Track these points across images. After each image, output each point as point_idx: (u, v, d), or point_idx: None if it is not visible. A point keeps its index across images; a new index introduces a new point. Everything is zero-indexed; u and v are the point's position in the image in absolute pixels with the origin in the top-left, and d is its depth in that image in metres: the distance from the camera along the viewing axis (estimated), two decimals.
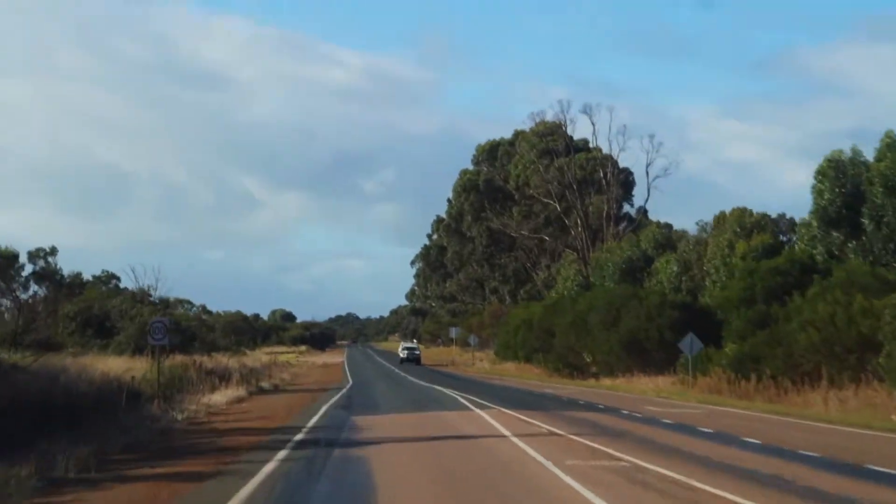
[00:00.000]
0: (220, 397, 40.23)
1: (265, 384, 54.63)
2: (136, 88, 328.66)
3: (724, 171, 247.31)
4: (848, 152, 54.07)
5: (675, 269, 73.60)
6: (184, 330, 61.53)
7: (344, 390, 50.37)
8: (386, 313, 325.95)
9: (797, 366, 39.99)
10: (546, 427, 26.86)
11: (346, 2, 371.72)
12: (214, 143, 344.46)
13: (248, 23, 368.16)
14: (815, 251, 51.92)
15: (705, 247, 72.32)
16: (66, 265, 56.04)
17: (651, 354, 61.06)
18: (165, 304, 68.79)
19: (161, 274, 68.79)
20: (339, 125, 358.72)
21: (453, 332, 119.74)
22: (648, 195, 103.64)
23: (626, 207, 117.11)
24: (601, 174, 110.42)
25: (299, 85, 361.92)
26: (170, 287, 73.24)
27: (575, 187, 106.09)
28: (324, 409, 35.18)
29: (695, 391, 45.18)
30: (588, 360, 67.03)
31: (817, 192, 53.01)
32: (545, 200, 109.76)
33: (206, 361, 52.62)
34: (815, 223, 53.48)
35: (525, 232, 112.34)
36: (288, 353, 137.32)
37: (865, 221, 50.00)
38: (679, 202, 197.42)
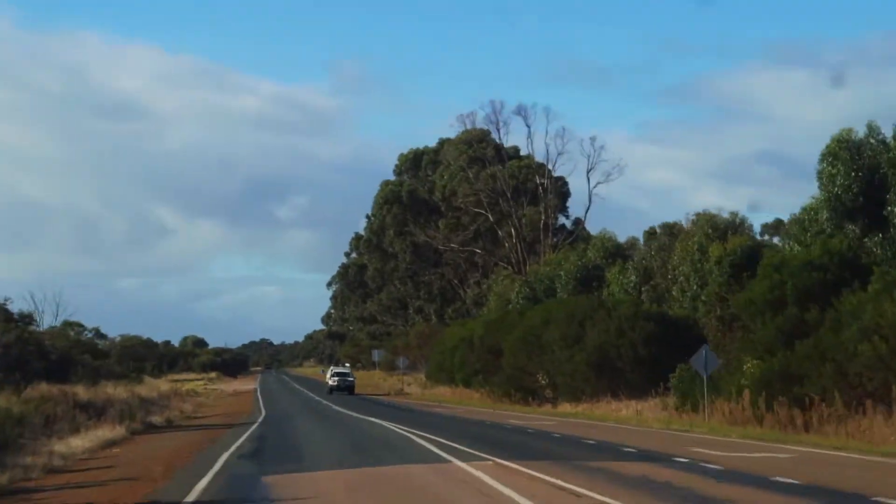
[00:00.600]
0: (82, 441, 28.77)
1: (157, 419, 43.05)
2: (49, 119, 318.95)
3: (642, 194, 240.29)
4: (859, 130, 44.61)
5: (633, 278, 64.07)
6: (48, 354, 49.52)
7: (254, 426, 38.97)
8: (301, 339, 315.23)
9: (854, 386, 29.87)
10: (604, 498, 15.79)
11: (259, 32, 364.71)
12: (128, 173, 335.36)
13: (161, 52, 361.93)
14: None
15: (668, 253, 62.88)
16: None
17: (623, 375, 50.86)
18: (27, 323, 56.56)
19: (62, 299, 59.46)
20: (253, 153, 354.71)
21: (376, 356, 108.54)
22: (590, 203, 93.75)
23: (562, 219, 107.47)
24: (536, 182, 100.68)
25: (213, 114, 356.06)
26: (71, 313, 64.59)
27: (509, 195, 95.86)
28: (223, 458, 23.91)
29: (714, 420, 34.76)
30: (543, 382, 56.50)
31: (827, 178, 43.19)
32: (476, 210, 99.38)
33: (82, 393, 40.92)
34: (824, 214, 43.63)
35: (454, 245, 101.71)
36: (196, 380, 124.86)
37: (892, 210, 40.51)
38: (604, 223, 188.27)
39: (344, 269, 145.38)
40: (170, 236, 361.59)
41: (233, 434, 34.23)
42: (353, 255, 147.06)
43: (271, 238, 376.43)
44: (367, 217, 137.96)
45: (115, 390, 48.89)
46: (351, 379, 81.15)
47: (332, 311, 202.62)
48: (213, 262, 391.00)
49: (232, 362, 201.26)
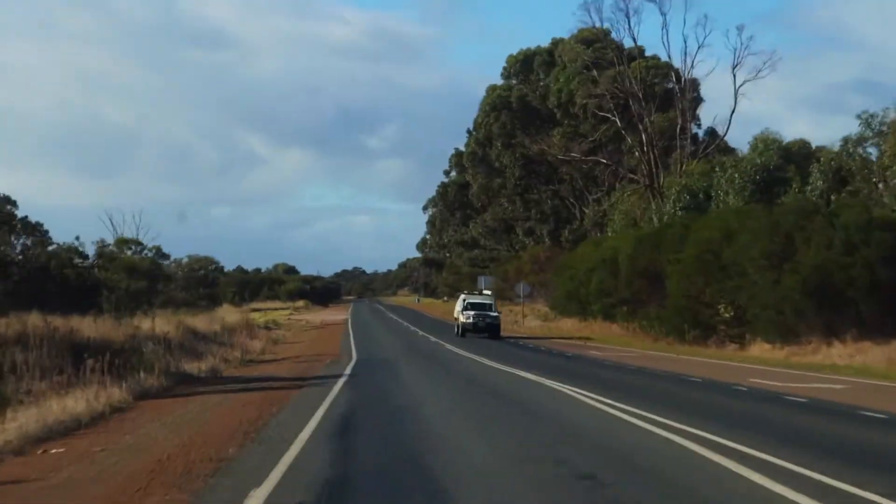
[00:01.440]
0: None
1: (197, 367, 28.90)
2: (138, 48, 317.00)
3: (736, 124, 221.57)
4: None
5: (819, 184, 48.86)
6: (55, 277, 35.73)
7: (340, 384, 24.32)
8: (394, 267, 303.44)
9: None
10: None
11: None
12: (217, 101, 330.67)
13: None
14: None
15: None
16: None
17: (854, 307, 35.57)
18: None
19: (142, 222, 47.83)
20: (342, 82, 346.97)
21: (483, 283, 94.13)
22: (735, 105, 76.82)
23: (693, 128, 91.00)
24: (668, 83, 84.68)
25: (301, 43, 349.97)
26: (153, 238, 54.48)
27: (641, 95, 79.72)
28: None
29: None
30: (726, 315, 41.35)
31: None
32: (602, 114, 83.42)
33: (83, 327, 26.89)
34: None
35: (575, 155, 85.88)
36: (280, 309, 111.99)
37: None
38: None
39: (443, 188, 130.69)
40: (259, 165, 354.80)
41: (308, 397, 20.05)
42: (454, 173, 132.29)
43: (361, 167, 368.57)
44: (469, 132, 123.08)
45: (153, 324, 34.93)
46: (495, 314, 53.48)
47: (428, 236, 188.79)
48: (301, 191, 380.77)
49: (323, 290, 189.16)
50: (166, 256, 70.50)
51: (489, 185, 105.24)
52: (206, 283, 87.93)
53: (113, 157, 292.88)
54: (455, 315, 53.76)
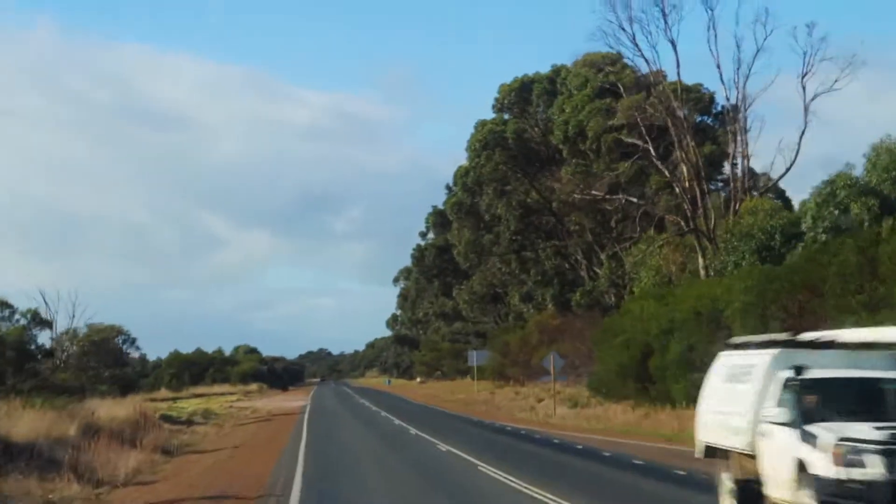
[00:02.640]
0: None
1: None
2: (97, 131, 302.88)
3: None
4: None
5: None
6: None
7: None
8: (361, 347, 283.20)
9: None
10: None
11: (307, 41, 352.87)
12: (176, 183, 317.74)
13: (210, 62, 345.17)
14: None
15: None
16: None
17: None
18: None
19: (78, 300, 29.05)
20: (304, 164, 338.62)
21: (476, 359, 74.62)
22: (805, 124, 57.58)
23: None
24: (715, 105, 66.66)
25: (263, 125, 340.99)
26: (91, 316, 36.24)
27: (683, 115, 60.89)
28: None
29: None
30: None
31: None
32: (626, 147, 64.54)
33: None
34: None
35: (597, 193, 66.40)
36: (229, 394, 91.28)
37: None
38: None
39: (419, 252, 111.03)
40: (221, 247, 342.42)
41: None
42: (431, 235, 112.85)
43: (326, 249, 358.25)
44: (448, 187, 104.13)
45: None
46: None
47: (400, 312, 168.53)
48: (267, 273, 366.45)
49: (284, 373, 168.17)
50: (47, 324, 49.62)
51: (478, 242, 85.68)
52: (115, 361, 67.37)
53: (70, 240, 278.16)
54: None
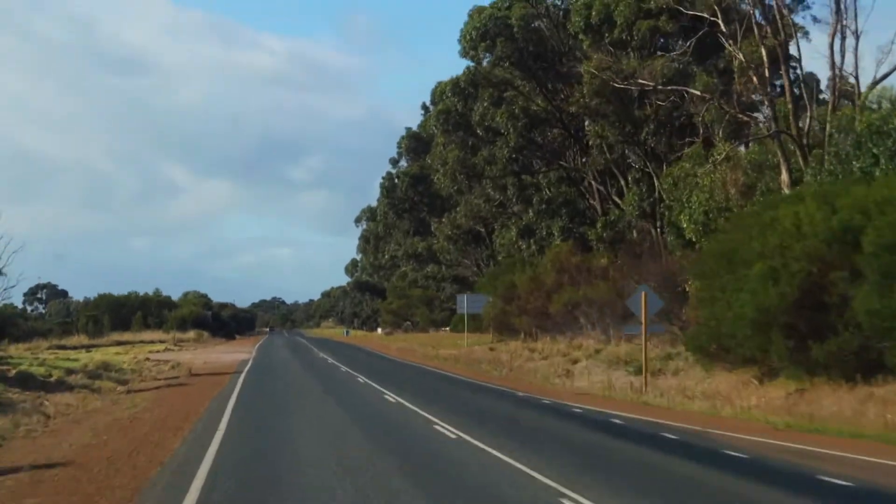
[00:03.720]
0: None
1: None
2: (56, 72, 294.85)
3: None
4: None
5: None
6: None
7: None
8: (317, 297, 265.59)
9: None
10: None
11: None
12: (137, 129, 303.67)
13: (171, 5, 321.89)
14: None
15: None
16: None
17: None
18: None
19: None
20: (265, 111, 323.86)
21: (467, 305, 57.62)
22: None
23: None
24: None
25: (223, 70, 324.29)
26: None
27: None
28: None
29: None
30: None
31: None
32: (694, 13, 47.15)
33: None
34: None
35: (646, 83, 48.71)
36: (158, 342, 73.75)
37: None
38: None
39: (389, 181, 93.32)
40: (180, 194, 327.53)
41: None
42: (403, 162, 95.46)
43: (284, 198, 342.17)
44: (425, 107, 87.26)
45: None
46: None
47: (360, 257, 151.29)
48: (225, 221, 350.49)
49: (232, 320, 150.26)
50: None
51: (468, 161, 68.01)
52: None
53: (29, 184, 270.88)
54: None
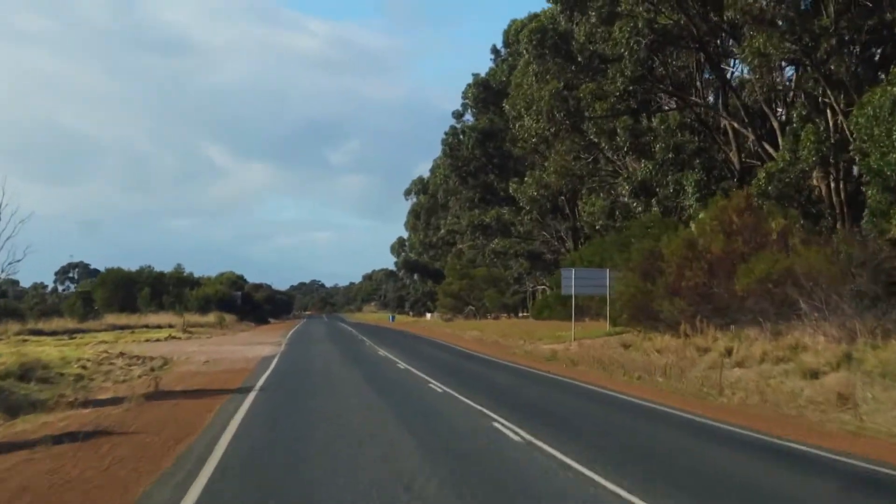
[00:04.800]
0: None
1: None
2: (96, 53, 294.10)
3: None
4: None
5: None
6: None
7: None
8: (357, 280, 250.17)
9: None
10: None
11: None
12: (181, 111, 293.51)
13: None
14: None
15: None
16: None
17: None
18: None
19: None
20: (307, 95, 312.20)
21: (574, 283, 40.88)
22: None
23: None
24: None
25: (264, 52, 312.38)
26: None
27: None
28: None
29: None
30: None
31: None
32: None
33: None
34: None
35: None
36: (161, 327, 57.86)
37: None
38: None
39: (453, 138, 76.35)
40: (220, 177, 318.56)
41: None
42: (468, 116, 78.92)
43: (324, 181, 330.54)
44: (494, 51, 71.56)
45: None
46: None
47: (409, 234, 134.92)
48: (264, 204, 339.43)
49: (267, 303, 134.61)
50: None
51: (567, 97, 50.95)
52: None
53: (70, 165, 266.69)
54: None
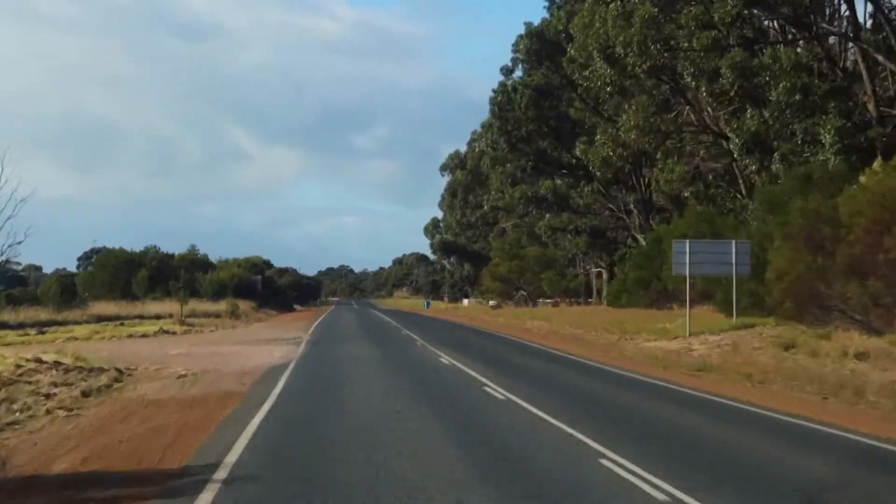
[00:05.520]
0: None
1: None
2: (121, 37, 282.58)
3: None
4: None
5: None
6: None
7: None
8: (387, 264, 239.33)
9: None
10: None
11: None
12: (206, 94, 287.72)
13: None
14: None
15: None
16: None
17: None
18: None
19: None
20: (332, 79, 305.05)
21: (694, 257, 30.25)
22: None
23: None
24: None
25: (291, 35, 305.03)
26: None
27: None
28: None
29: None
30: None
31: None
32: None
33: None
34: None
35: None
36: (159, 318, 47.36)
37: None
38: None
39: (503, 95, 65.03)
40: (246, 161, 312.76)
41: None
42: (518, 72, 67.99)
43: (350, 166, 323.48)
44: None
45: None
46: None
47: (445, 213, 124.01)
48: (291, 189, 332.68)
49: (293, 289, 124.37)
50: None
51: (661, 25, 39.78)
52: None
53: (95, 151, 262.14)
54: None
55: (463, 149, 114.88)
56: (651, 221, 58.04)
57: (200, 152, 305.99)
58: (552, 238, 74.93)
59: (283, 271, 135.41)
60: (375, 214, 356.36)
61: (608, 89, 46.45)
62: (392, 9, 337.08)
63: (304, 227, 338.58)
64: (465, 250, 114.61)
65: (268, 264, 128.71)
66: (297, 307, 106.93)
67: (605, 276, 63.34)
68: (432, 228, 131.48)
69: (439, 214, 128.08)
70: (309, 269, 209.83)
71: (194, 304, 56.42)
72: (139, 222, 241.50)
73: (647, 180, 60.56)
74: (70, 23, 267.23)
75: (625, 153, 48.05)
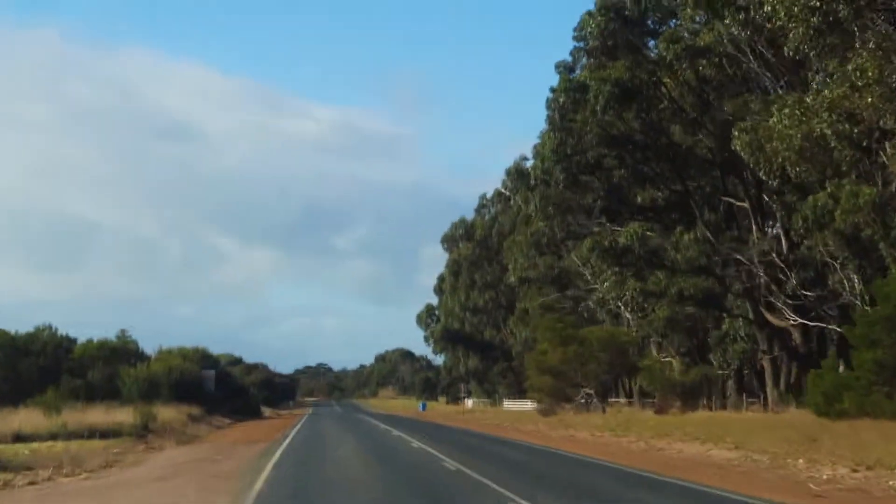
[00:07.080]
0: None
1: None
2: (102, 139, 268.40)
3: None
4: None
5: None
6: None
7: None
8: (368, 361, 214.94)
9: None
10: None
11: (314, 54, 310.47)
12: (184, 196, 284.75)
13: (215, 73, 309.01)
14: None
15: None
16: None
17: None
18: None
19: None
20: (311, 180, 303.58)
21: None
22: None
23: None
24: None
25: (269, 138, 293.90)
26: None
27: None
28: None
29: None
30: None
31: None
32: None
33: None
34: None
35: None
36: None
37: None
38: None
39: (566, 94, 42.53)
40: (224, 262, 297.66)
41: None
42: (578, 69, 45.55)
43: (329, 267, 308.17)
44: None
45: None
46: None
47: (444, 297, 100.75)
48: (269, 289, 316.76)
49: (264, 388, 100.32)
50: None
51: None
52: None
53: (72, 251, 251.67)
54: None
55: (470, 216, 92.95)
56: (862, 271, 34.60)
57: (179, 252, 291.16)
58: (612, 314, 52.53)
59: (252, 367, 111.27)
60: (353, 314, 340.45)
61: (797, 43, 24.46)
62: (370, 108, 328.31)
63: (281, 327, 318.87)
64: (472, 340, 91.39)
65: (237, 360, 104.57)
66: (267, 411, 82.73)
67: (784, 361, 39.98)
68: (426, 317, 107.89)
69: (434, 301, 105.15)
70: (285, 368, 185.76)
71: (80, 414, 32.78)
72: (115, 323, 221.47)
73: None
74: (50, 126, 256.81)
75: (853, 130, 25.20)
